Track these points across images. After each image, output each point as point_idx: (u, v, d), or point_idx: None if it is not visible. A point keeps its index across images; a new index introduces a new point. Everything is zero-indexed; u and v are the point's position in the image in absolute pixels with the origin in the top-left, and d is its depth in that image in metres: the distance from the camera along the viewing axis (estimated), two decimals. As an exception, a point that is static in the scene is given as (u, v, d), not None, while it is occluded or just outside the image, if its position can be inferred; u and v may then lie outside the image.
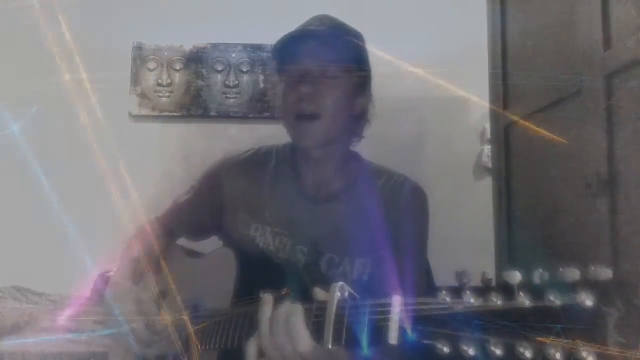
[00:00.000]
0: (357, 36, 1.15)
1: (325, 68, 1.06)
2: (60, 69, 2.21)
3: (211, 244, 1.26)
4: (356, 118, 1.14)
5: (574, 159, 1.31)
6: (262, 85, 2.34)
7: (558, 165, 1.40)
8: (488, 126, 1.96)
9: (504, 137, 1.72)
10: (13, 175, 2.15)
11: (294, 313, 0.72)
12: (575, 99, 1.31)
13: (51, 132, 2.18)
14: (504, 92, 1.73)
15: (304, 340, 0.70)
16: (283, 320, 0.72)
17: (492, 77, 1.81)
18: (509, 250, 1.65)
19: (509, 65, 1.73)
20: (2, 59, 2.20)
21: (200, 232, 1.27)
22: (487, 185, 1.98)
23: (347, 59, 1.08)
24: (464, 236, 2.08)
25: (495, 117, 1.80)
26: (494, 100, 1.81)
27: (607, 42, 1.20)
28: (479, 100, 2.00)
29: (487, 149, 2.15)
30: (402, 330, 0.59)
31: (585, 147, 1.24)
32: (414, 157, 2.23)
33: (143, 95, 2.32)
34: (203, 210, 1.24)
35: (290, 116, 1.09)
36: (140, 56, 2.34)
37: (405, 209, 1.11)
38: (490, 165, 2.01)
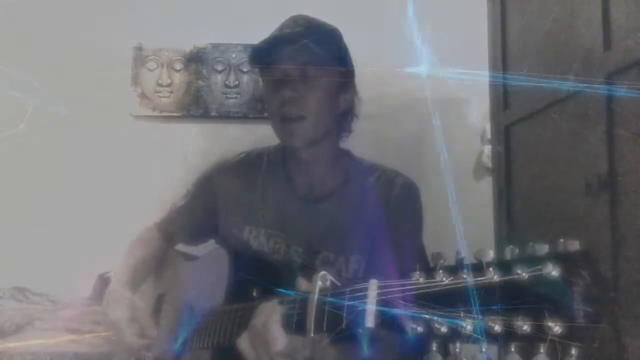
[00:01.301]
0: (334, 33, 1.14)
1: (304, 70, 1.06)
2: (60, 69, 2.21)
3: (207, 246, 1.26)
4: (342, 114, 1.14)
5: (574, 159, 1.31)
6: (262, 85, 2.33)
7: (558, 165, 1.40)
8: (488, 126, 1.96)
9: (504, 137, 1.72)
10: (13, 176, 2.15)
11: (270, 315, 0.73)
12: (575, 99, 1.31)
13: (51, 133, 2.17)
14: (504, 92, 1.74)
15: (279, 340, 0.71)
16: (261, 324, 0.73)
17: (492, 77, 1.81)
18: (509, 250, 1.65)
19: (509, 65, 1.73)
20: (1, 60, 2.20)
21: (197, 236, 1.28)
22: (487, 185, 1.98)
23: (325, 58, 1.08)
24: (464, 236, 2.08)
25: (495, 117, 1.80)
26: (494, 100, 1.81)
27: (607, 42, 1.20)
28: (479, 100, 2.00)
29: (487, 149, 2.15)
30: (378, 313, 0.60)
31: (585, 147, 1.24)
32: (414, 157, 2.23)
33: (143, 95, 2.32)
34: (198, 215, 1.25)
35: (275, 119, 1.10)
36: (140, 56, 2.34)
37: (398, 204, 1.11)
38: (490, 165, 2.01)
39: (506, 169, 1.71)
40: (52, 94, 2.14)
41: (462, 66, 2.06)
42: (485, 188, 1.96)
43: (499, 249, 1.61)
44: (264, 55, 1.09)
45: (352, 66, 1.15)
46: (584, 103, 1.26)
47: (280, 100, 1.06)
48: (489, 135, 1.98)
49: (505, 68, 1.74)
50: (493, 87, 1.81)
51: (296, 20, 1.11)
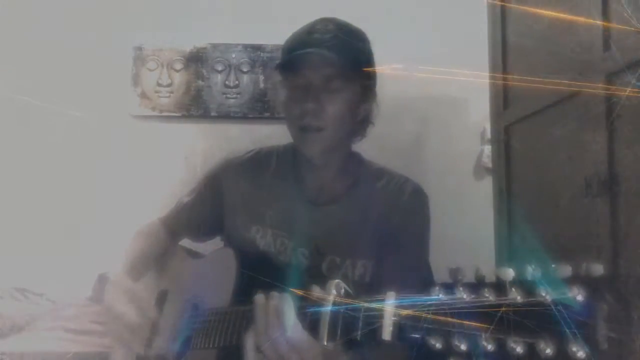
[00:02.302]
0: (362, 38, 1.11)
1: (330, 82, 1.04)
2: (60, 68, 2.21)
3: (213, 244, 1.26)
4: (360, 122, 1.13)
5: (573, 159, 1.31)
6: (262, 85, 2.34)
7: (558, 165, 1.40)
8: (488, 126, 1.96)
9: (504, 137, 1.72)
10: (13, 175, 2.15)
11: (283, 301, 0.74)
12: (575, 99, 1.31)
13: (51, 133, 2.18)
14: (504, 92, 1.73)
15: (293, 326, 0.71)
16: (273, 310, 0.73)
17: (492, 77, 1.81)
18: (509, 250, 1.65)
19: (509, 65, 1.73)
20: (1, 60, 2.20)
21: (202, 233, 1.28)
22: (487, 185, 1.98)
23: (352, 69, 1.05)
24: (464, 236, 2.08)
25: (495, 117, 1.80)
26: (494, 100, 1.81)
27: (607, 42, 1.20)
28: (479, 100, 2.01)
29: (487, 149, 2.15)
30: (396, 326, 0.59)
31: (585, 147, 1.24)
32: (414, 157, 2.23)
33: (143, 95, 2.32)
34: (204, 212, 1.24)
35: (294, 126, 1.08)
36: (140, 56, 2.34)
37: (406, 210, 1.10)
38: (490, 165, 2.01)
39: (506, 169, 1.71)
40: (52, 94, 2.15)
41: (462, 66, 2.07)
42: (485, 188, 1.96)
43: (499, 249, 1.60)
44: (290, 57, 1.06)
45: (375, 73, 1.13)
46: (584, 103, 1.26)
47: (301, 110, 1.05)
48: (489, 135, 1.98)
49: (505, 68, 1.74)
50: (493, 87, 1.81)
51: (326, 25, 1.08)
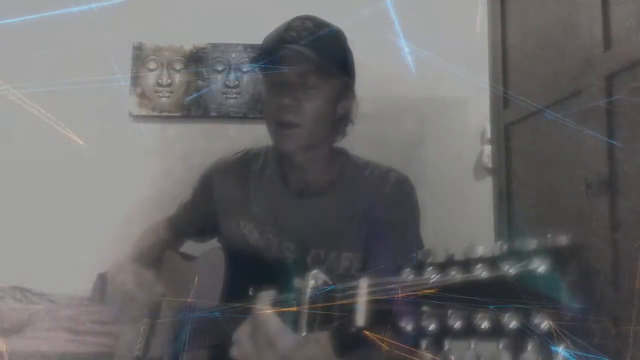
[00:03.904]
0: (339, 36, 1.12)
1: (306, 78, 1.05)
2: (60, 68, 2.21)
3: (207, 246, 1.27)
4: (339, 120, 1.14)
5: (574, 159, 1.31)
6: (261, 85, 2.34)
7: (558, 165, 1.41)
8: (488, 126, 1.96)
9: (504, 137, 1.72)
10: (13, 175, 2.15)
11: (260, 299, 0.75)
12: (575, 99, 1.31)
13: (51, 132, 2.17)
14: (504, 91, 1.74)
15: (271, 320, 0.71)
16: (257, 319, 0.74)
17: (492, 77, 1.81)
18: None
19: (509, 65, 1.73)
20: (1, 59, 2.20)
21: (203, 232, 1.29)
22: (487, 185, 1.98)
23: (329, 66, 1.06)
24: (464, 236, 2.08)
25: (495, 117, 1.80)
26: (494, 100, 1.81)
27: (607, 42, 1.20)
28: (479, 100, 2.01)
29: (487, 149, 2.15)
30: (369, 312, 0.59)
31: (585, 147, 1.24)
32: (414, 157, 2.23)
33: (143, 95, 2.32)
34: (200, 211, 1.26)
35: (271, 122, 1.09)
36: (140, 56, 2.34)
37: (391, 199, 1.10)
38: (490, 165, 2.01)
39: (506, 169, 1.71)
40: (51, 93, 2.14)
41: (463, 66, 2.07)
42: (485, 188, 1.96)
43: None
44: (267, 57, 1.07)
45: (354, 71, 1.14)
46: (584, 103, 1.26)
47: (278, 105, 1.06)
48: (489, 135, 1.98)
49: (505, 68, 1.74)
50: (493, 87, 1.81)
51: (303, 22, 1.09)
